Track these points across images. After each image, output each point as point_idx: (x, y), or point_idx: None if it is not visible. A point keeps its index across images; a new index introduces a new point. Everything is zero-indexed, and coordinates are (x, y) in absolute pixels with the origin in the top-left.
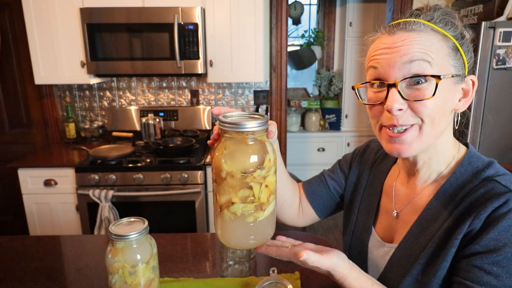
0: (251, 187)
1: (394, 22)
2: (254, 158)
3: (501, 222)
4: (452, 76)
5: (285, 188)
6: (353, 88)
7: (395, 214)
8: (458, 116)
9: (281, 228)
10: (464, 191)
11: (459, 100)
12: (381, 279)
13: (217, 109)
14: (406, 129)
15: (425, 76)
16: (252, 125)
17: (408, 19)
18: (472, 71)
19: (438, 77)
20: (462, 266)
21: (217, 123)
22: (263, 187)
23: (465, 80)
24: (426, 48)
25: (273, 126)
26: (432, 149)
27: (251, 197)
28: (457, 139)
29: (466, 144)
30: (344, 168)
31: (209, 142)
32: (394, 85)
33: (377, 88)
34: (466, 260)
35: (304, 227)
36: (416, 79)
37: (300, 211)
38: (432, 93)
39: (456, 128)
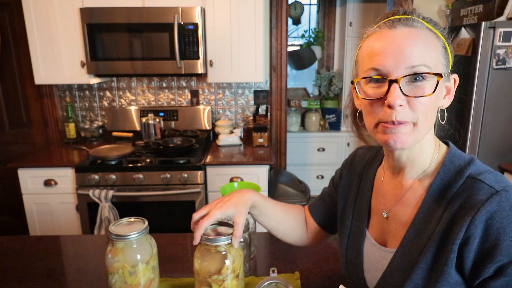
0: (211, 286)
1: (393, 17)
2: (214, 265)
3: (509, 226)
4: (444, 75)
5: (284, 224)
6: (352, 82)
7: (385, 215)
8: (444, 112)
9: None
10: (451, 191)
11: (444, 97)
12: (380, 283)
13: (207, 219)
14: (402, 123)
15: (427, 74)
16: (216, 241)
17: (408, 16)
18: (452, 70)
19: (440, 75)
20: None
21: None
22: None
23: (449, 78)
24: (425, 48)
25: (236, 240)
26: (417, 146)
27: None
28: (451, 137)
29: (446, 143)
30: (336, 180)
31: (194, 242)
32: (396, 81)
33: (376, 83)
34: (500, 274)
35: None
36: (416, 76)
37: (307, 232)
38: (432, 90)
39: (443, 122)
